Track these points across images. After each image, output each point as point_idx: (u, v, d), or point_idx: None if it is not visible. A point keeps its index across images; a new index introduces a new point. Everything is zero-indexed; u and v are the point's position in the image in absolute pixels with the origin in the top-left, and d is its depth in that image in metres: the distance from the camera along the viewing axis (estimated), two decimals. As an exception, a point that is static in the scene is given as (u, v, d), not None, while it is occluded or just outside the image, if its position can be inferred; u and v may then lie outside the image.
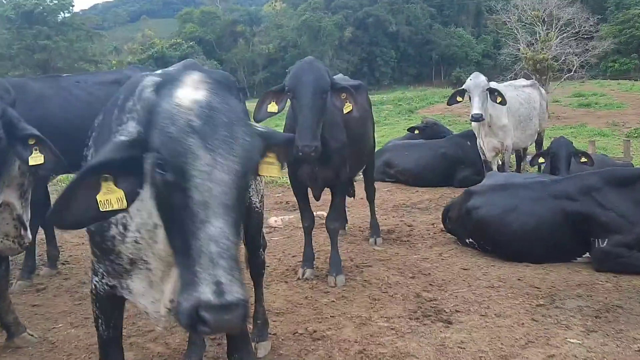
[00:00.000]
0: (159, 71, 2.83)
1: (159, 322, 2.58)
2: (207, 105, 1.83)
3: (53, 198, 8.66)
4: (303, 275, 5.36)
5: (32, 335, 4.11)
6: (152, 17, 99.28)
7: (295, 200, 5.65)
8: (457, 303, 4.68)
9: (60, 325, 4.44)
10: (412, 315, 4.46)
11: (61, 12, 46.44)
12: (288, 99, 4.70)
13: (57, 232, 5.90)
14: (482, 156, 8.51)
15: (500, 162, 8.61)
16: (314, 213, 5.69)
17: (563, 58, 26.60)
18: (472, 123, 8.16)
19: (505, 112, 8.16)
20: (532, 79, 13.25)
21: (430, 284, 5.13)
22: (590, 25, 28.39)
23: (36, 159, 3.15)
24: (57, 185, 10.27)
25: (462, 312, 4.49)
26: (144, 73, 2.92)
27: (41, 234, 5.78)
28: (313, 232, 5.57)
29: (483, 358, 3.73)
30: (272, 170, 2.32)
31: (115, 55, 55.48)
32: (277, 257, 6.02)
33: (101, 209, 1.94)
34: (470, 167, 9.48)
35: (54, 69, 37.26)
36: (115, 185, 1.94)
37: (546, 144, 8.81)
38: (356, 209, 7.96)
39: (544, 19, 28.56)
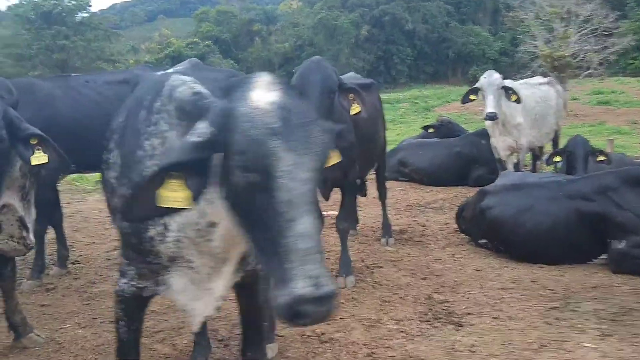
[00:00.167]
0: (171, 69, 2.81)
1: (195, 319, 2.62)
2: (283, 105, 1.88)
3: (66, 197, 8.72)
4: (312, 276, 5.29)
5: (39, 336, 4.11)
6: (169, 17, 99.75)
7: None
8: (469, 305, 4.60)
9: (67, 325, 4.43)
10: (423, 318, 4.39)
11: (79, 12, 46.80)
12: None
13: (68, 232, 5.91)
14: (495, 155, 8.38)
15: (515, 161, 8.47)
16: (324, 213, 5.63)
17: (582, 55, 26.21)
18: (486, 122, 8.04)
19: (520, 111, 8.00)
20: (550, 76, 13.03)
21: (441, 286, 5.05)
22: (610, 21, 27.90)
23: (39, 158, 3.12)
24: (72, 185, 10.39)
25: (474, 315, 4.41)
26: (163, 72, 2.93)
27: (52, 233, 5.78)
28: (323, 232, 5.50)
29: (494, 362, 3.66)
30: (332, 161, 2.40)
31: (132, 55, 55.85)
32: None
33: (167, 206, 1.99)
34: (485, 166, 9.34)
35: (72, 69, 37.55)
36: (185, 184, 1.98)
37: (564, 143, 8.64)
38: (368, 208, 7.88)
39: (562, 15, 28.17)
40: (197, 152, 1.93)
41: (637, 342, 3.84)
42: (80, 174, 9.11)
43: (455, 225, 6.72)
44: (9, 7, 49.81)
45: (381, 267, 5.59)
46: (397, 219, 7.44)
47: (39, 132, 3.11)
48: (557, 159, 7.48)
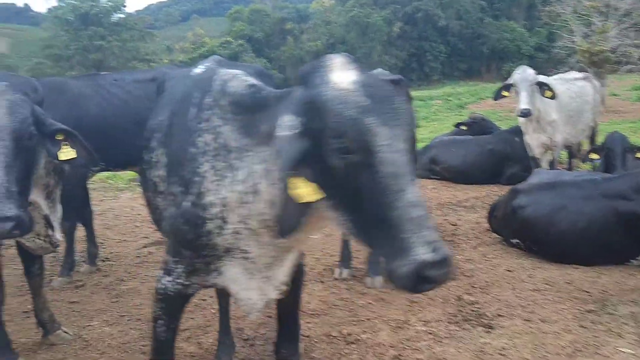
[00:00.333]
0: (202, 66, 2.80)
1: (250, 309, 2.61)
2: (365, 83, 1.92)
3: (99, 195, 8.83)
4: (340, 275, 5.25)
5: (66, 333, 4.14)
6: (202, 16, 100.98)
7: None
8: (500, 307, 4.47)
9: (95, 322, 4.46)
10: (452, 319, 4.28)
11: (114, 13, 47.61)
12: None
13: (99, 229, 5.97)
14: (529, 153, 8.17)
15: (550, 159, 8.25)
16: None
17: (621, 50, 25.49)
18: (519, 119, 7.84)
19: (555, 107, 7.78)
20: (587, 72, 12.68)
21: (472, 286, 4.92)
22: (651, 15, 27.12)
23: (67, 153, 3.12)
24: (106, 183, 10.53)
25: (505, 317, 4.28)
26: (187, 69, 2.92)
27: (82, 230, 5.84)
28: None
29: (525, 367, 3.54)
30: None
31: (167, 55, 56.61)
32: (316, 255, 5.91)
33: (303, 204, 1.99)
34: (519, 163, 9.11)
35: (108, 69, 38.22)
36: (307, 178, 1.98)
37: (602, 140, 8.38)
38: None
39: (601, 9, 27.45)
40: (301, 144, 1.94)
41: (677, 347, 3.68)
42: (112, 172, 9.23)
43: (487, 225, 6.57)
44: (49, 9, 51.12)
45: (410, 267, 5.48)
46: (428, 217, 7.31)
47: (65, 127, 3.12)
48: (594, 156, 7.24)
